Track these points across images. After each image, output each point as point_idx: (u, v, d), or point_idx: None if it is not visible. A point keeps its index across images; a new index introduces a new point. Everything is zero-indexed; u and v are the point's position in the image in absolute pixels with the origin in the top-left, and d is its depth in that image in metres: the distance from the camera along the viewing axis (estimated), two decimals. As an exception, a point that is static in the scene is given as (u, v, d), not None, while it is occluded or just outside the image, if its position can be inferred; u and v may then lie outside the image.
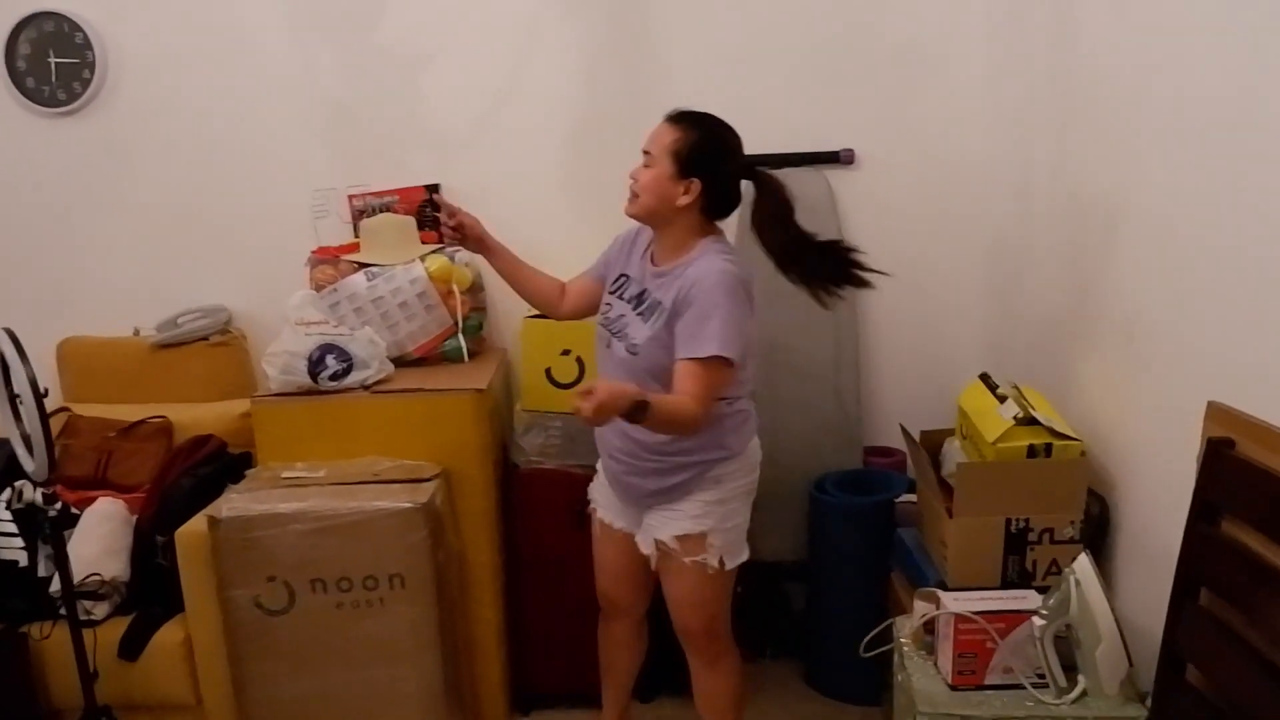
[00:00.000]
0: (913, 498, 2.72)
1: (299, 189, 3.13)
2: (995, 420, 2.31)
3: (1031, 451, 2.23)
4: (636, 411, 1.81)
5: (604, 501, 2.33)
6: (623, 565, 2.33)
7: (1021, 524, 2.23)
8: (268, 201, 3.17)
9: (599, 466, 2.33)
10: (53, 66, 3.15)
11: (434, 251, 2.87)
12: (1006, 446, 2.24)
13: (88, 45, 3.12)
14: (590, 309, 2.33)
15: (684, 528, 2.12)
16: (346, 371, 2.56)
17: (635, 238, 2.24)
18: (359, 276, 2.76)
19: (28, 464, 2.19)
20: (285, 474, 2.52)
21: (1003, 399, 2.37)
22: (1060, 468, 2.21)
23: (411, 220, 2.98)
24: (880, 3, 2.93)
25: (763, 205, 2.09)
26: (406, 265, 2.78)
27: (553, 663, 2.84)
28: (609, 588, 2.41)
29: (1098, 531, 2.24)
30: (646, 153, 2.06)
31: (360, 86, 3.12)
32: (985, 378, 2.52)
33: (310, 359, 2.54)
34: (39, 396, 2.04)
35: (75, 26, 3.11)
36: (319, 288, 2.76)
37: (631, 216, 2.12)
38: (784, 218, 2.09)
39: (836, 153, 2.99)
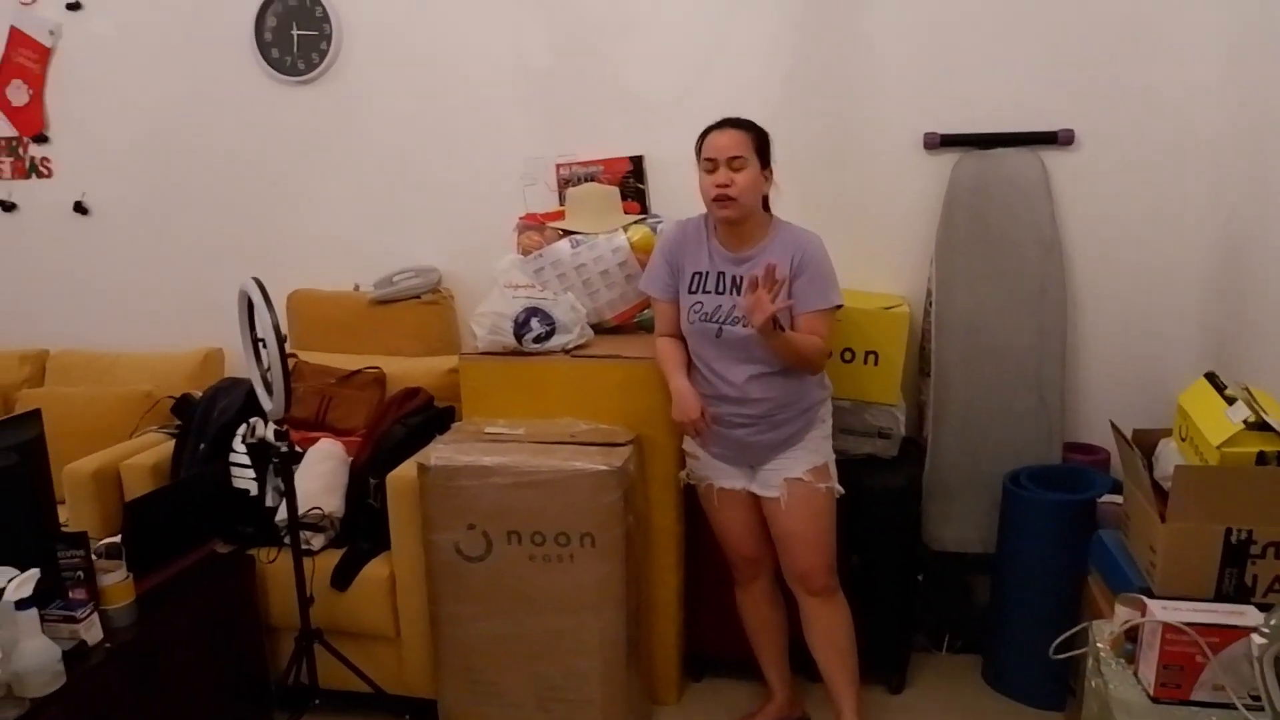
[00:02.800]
0: (1117, 498, 2.58)
1: (509, 157, 3.27)
2: (1222, 422, 2.16)
3: (1261, 459, 2.07)
4: (778, 324, 2.17)
5: (716, 471, 2.51)
6: (749, 522, 2.52)
7: (1244, 535, 2.08)
8: (479, 168, 3.32)
9: (696, 450, 2.52)
10: (295, 38, 3.41)
11: (636, 221, 2.93)
12: (1233, 451, 2.09)
13: (326, 19, 3.36)
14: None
15: (812, 460, 2.41)
16: (549, 335, 2.66)
17: (682, 238, 2.44)
18: (564, 243, 2.85)
19: (266, 403, 2.39)
20: (488, 429, 2.64)
21: (1231, 400, 2.21)
22: (1294, 478, 2.05)
23: (615, 190, 3.05)
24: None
25: None
26: (609, 234, 2.85)
27: (725, 632, 2.87)
28: (741, 546, 2.57)
29: (1333, 550, 2.06)
30: (736, 158, 2.28)
31: (568, 57, 3.21)
32: (1212, 377, 2.35)
33: (516, 321, 2.65)
34: (281, 341, 2.22)
35: (315, 1, 3.35)
36: (525, 253, 2.88)
37: (730, 220, 2.32)
38: None
39: (1055, 133, 2.84)
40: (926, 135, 2.94)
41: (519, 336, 2.66)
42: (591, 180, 3.14)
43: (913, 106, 2.95)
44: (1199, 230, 2.82)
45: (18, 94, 3.75)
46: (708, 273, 2.39)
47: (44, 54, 3.69)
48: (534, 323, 2.65)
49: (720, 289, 2.37)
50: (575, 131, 3.22)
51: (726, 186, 2.27)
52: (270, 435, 2.55)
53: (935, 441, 2.94)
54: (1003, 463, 2.89)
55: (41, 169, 3.81)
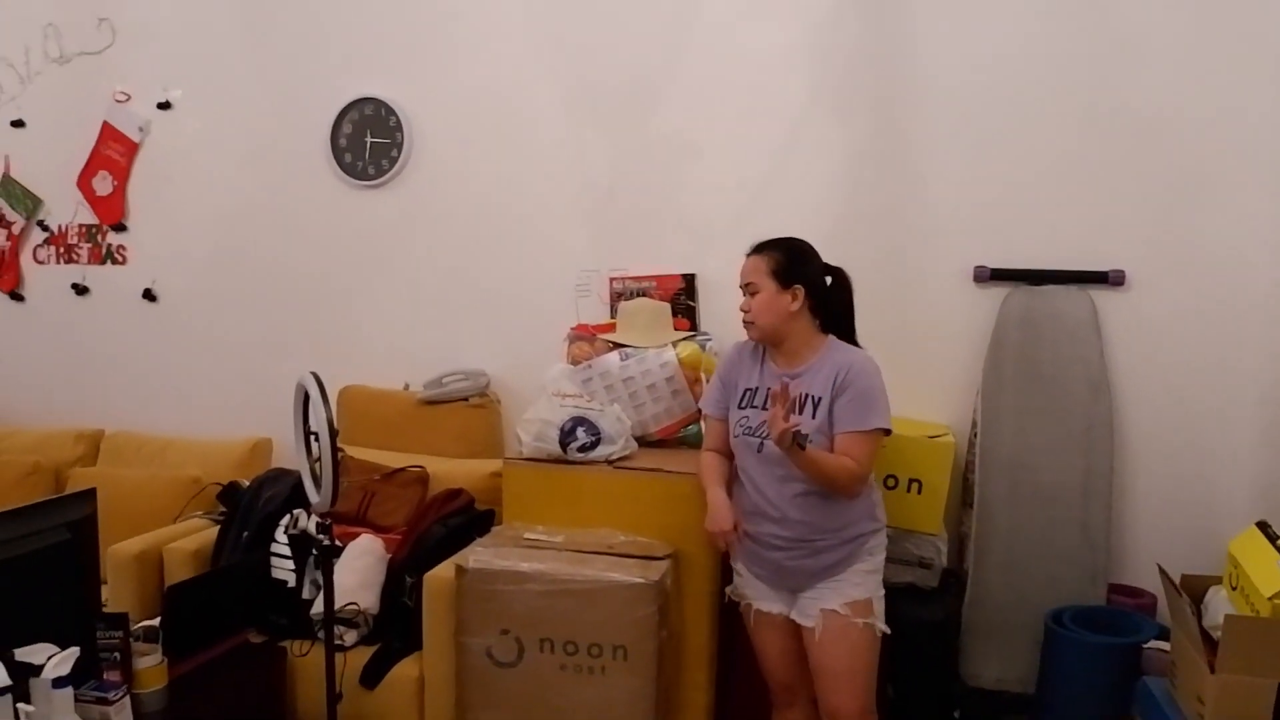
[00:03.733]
0: (1163, 645, 2.51)
1: (564, 268, 3.37)
2: (1274, 573, 2.12)
3: (1317, 614, 2.03)
4: (800, 440, 2.17)
5: (755, 591, 2.46)
6: (786, 648, 2.44)
7: (1299, 693, 2.02)
8: (534, 277, 3.43)
9: (740, 568, 2.48)
10: (368, 145, 3.58)
11: (686, 338, 2.98)
12: (1286, 604, 2.04)
13: (398, 128, 3.53)
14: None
15: (852, 594, 2.31)
16: (594, 445, 2.69)
17: (739, 359, 2.49)
18: (613, 356, 2.91)
19: (313, 495, 2.42)
20: (527, 534, 2.65)
21: (1284, 551, 2.17)
22: (1351, 636, 1.99)
23: (667, 306, 3.12)
24: (1161, 120, 2.83)
25: (838, 294, 2.44)
26: (658, 349, 2.91)
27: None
28: (776, 671, 2.49)
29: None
30: (748, 284, 2.37)
31: (627, 174, 3.33)
32: (1264, 526, 2.32)
33: (562, 429, 2.69)
34: (334, 436, 2.27)
35: (390, 110, 3.53)
36: (575, 362, 2.94)
37: (757, 340, 2.42)
38: (849, 308, 2.46)
39: (1105, 273, 2.88)
40: (977, 269, 2.99)
41: (564, 445, 2.69)
42: (644, 295, 3.21)
43: (964, 240, 3.01)
44: (1252, 376, 2.81)
45: (103, 184, 3.95)
46: (757, 389, 2.40)
47: (132, 149, 3.90)
48: (580, 432, 2.69)
49: (767, 405, 2.35)
50: (630, 247, 3.32)
51: (746, 312, 2.38)
52: (313, 528, 2.57)
53: (976, 574, 2.89)
54: (1045, 600, 2.83)
55: (117, 256, 3.98)
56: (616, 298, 3.25)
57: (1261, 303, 2.79)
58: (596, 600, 2.45)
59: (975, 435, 2.92)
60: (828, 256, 2.45)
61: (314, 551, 2.66)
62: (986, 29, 2.96)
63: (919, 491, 2.77)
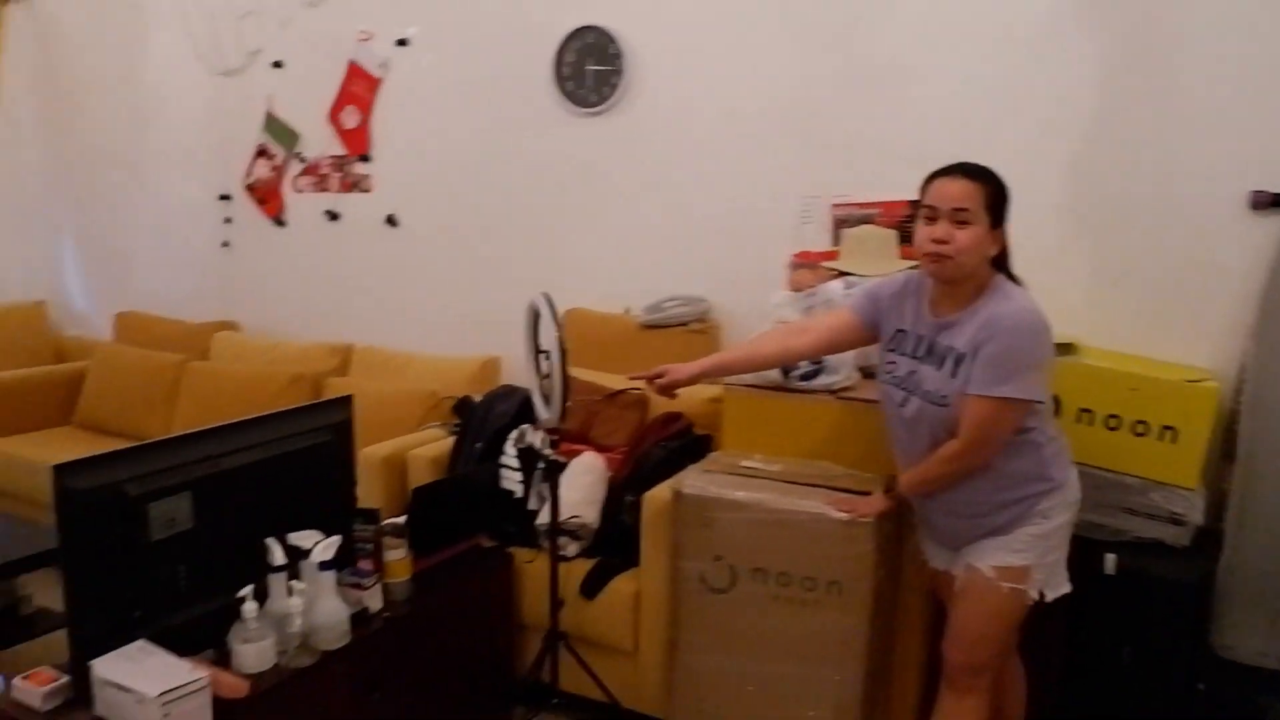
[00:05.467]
0: None
1: (785, 194, 3.31)
2: None
3: None
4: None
5: (927, 548, 2.36)
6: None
7: None
8: (755, 203, 3.38)
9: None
10: (589, 73, 3.63)
11: (912, 267, 2.85)
12: None
13: (619, 55, 3.55)
14: (842, 345, 2.41)
15: (1005, 559, 2.11)
16: (816, 374, 2.64)
17: (902, 291, 2.24)
18: (836, 283, 2.83)
19: (542, 411, 2.53)
20: (744, 462, 2.65)
21: None
22: None
23: (893, 234, 3.00)
24: None
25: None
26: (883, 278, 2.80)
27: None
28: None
29: None
30: (961, 210, 2.00)
31: (852, 97, 3.21)
32: None
33: (784, 356, 2.65)
34: (564, 355, 2.35)
35: (610, 39, 3.55)
36: (797, 290, 2.88)
37: (942, 279, 2.09)
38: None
39: None
40: (1254, 194, 2.67)
41: (786, 372, 2.66)
42: (868, 223, 3.10)
43: (1237, 162, 2.70)
44: None
45: (350, 118, 4.23)
46: (907, 333, 2.19)
47: (374, 83, 4.14)
48: (802, 361, 2.64)
49: (916, 353, 2.16)
50: (854, 173, 3.21)
51: (943, 243, 2.01)
52: (539, 442, 2.69)
53: (1236, 537, 2.63)
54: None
55: (363, 184, 4.26)
56: (839, 225, 3.16)
57: None
58: (813, 534, 2.42)
59: (1244, 381, 2.64)
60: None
61: (540, 465, 2.79)
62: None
63: (1173, 440, 2.54)
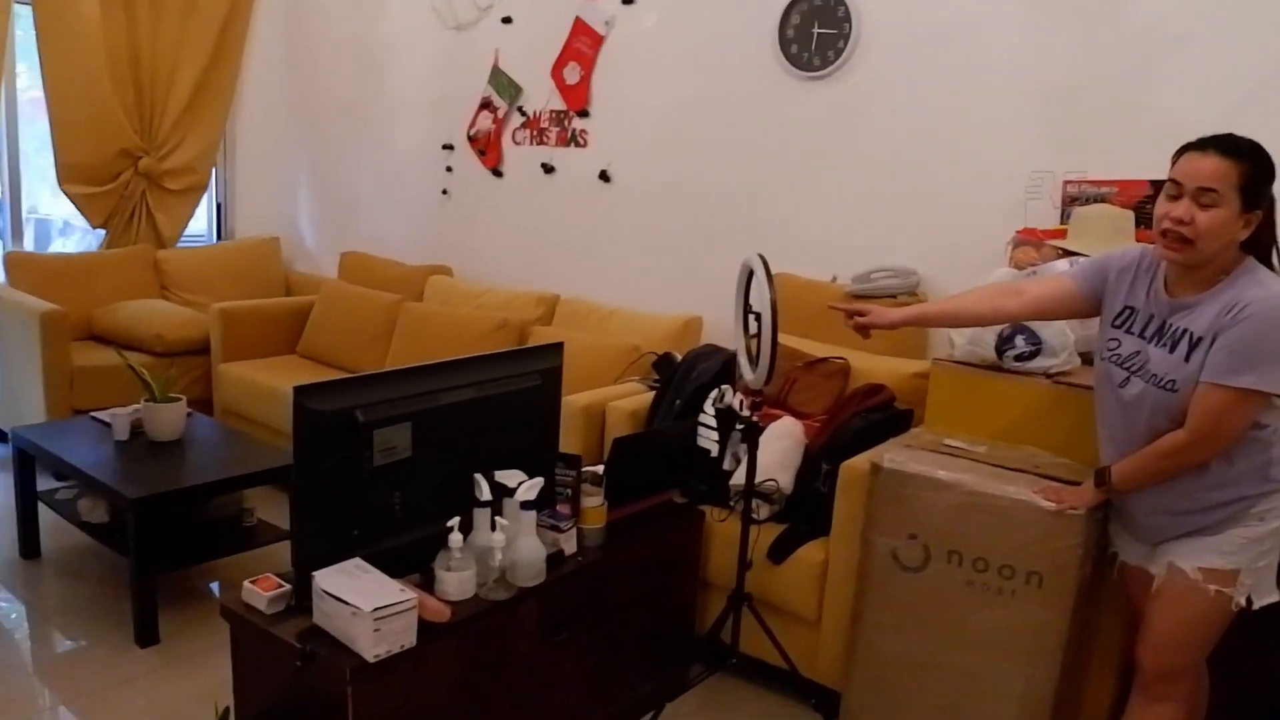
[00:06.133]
0: None
1: (1010, 168, 3.15)
2: None
3: None
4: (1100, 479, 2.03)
5: (1119, 541, 2.25)
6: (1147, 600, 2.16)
7: None
8: (977, 177, 3.24)
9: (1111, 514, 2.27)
10: (815, 35, 3.55)
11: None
12: None
13: (847, 19, 3.45)
14: (1057, 313, 2.29)
15: (1212, 561, 1.99)
16: (1033, 355, 2.51)
17: (1135, 266, 2.09)
18: (1062, 263, 2.67)
19: (748, 373, 2.53)
20: (947, 441, 2.57)
21: None
22: None
23: (1129, 215, 2.80)
24: None
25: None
26: (1117, 260, 2.62)
27: None
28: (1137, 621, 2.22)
29: None
30: (1208, 190, 1.85)
31: (1093, 71, 3.01)
32: None
33: (1001, 334, 2.54)
34: (775, 317, 2.34)
35: (840, 2, 3.45)
36: (1019, 267, 2.75)
37: (1179, 263, 1.94)
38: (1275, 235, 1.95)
39: None
40: None
41: (1000, 351, 2.54)
42: (1102, 201, 2.90)
43: None
44: None
45: (572, 74, 4.33)
46: (1136, 310, 2.05)
47: (598, 41, 4.22)
48: (1019, 340, 2.52)
49: (1145, 334, 2.02)
50: (1090, 149, 3.02)
51: (1183, 224, 1.87)
52: (739, 404, 2.70)
53: None
54: None
55: (580, 139, 4.37)
56: (1070, 202, 2.98)
57: None
58: (1017, 521, 2.32)
59: None
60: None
61: (739, 426, 2.80)
62: None
63: None
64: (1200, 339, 1.90)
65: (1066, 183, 3.01)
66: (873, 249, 3.43)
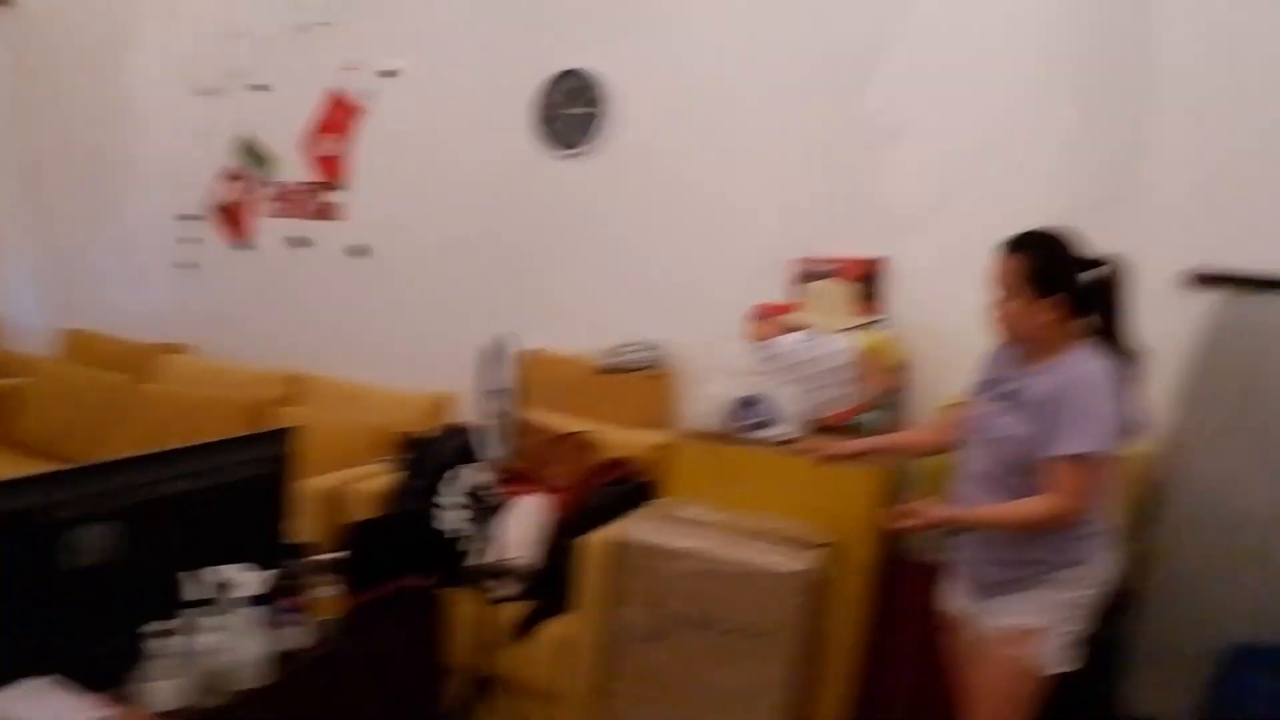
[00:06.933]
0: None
1: (752, 244, 3.33)
2: None
3: None
4: (959, 529, 2.10)
5: (949, 591, 2.34)
6: (962, 659, 2.27)
7: None
8: (721, 252, 3.40)
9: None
10: (571, 115, 3.65)
11: (868, 324, 2.88)
12: None
13: (600, 99, 3.57)
14: None
15: (1017, 620, 2.12)
16: (765, 424, 2.64)
17: (996, 350, 2.26)
18: (794, 336, 2.85)
19: (490, 450, 2.51)
20: (685, 511, 2.65)
21: None
22: None
23: (851, 290, 3.02)
24: None
25: (1103, 290, 2.11)
26: (839, 333, 2.82)
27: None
28: (956, 682, 2.30)
29: None
30: (1002, 287, 2.11)
31: (824, 154, 3.22)
32: None
33: (736, 406, 2.65)
34: (512, 396, 2.34)
35: (593, 84, 3.58)
36: (756, 341, 2.89)
37: (1010, 344, 2.18)
38: (1116, 306, 2.13)
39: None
40: (1191, 271, 2.71)
41: (735, 421, 2.66)
42: (828, 277, 3.12)
43: (1180, 240, 2.73)
44: None
45: (328, 146, 4.23)
46: (999, 380, 2.21)
47: (355, 113, 4.15)
48: (752, 410, 2.65)
49: (993, 395, 2.20)
50: (820, 228, 3.22)
51: (999, 314, 2.14)
52: (483, 482, 2.66)
53: (1149, 598, 2.65)
54: (1222, 634, 2.57)
55: (336, 213, 4.25)
56: (803, 278, 3.18)
57: None
58: (744, 584, 2.42)
59: (1167, 450, 2.67)
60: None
61: (481, 506, 2.76)
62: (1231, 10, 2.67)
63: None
64: (1035, 405, 2.06)
65: (799, 261, 3.21)
66: (625, 324, 3.51)
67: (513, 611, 2.76)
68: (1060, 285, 2.07)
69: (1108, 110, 2.84)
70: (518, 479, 3.10)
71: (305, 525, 3.00)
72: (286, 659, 2.19)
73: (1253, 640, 2.55)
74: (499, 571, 2.68)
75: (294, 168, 4.31)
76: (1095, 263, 2.10)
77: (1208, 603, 2.63)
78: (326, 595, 2.33)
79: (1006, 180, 2.96)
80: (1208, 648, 2.58)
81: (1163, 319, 2.71)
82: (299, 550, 2.28)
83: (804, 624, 2.43)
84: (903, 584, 2.66)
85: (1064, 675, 2.15)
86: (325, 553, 2.40)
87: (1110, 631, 2.53)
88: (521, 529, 2.82)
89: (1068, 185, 2.88)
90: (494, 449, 2.44)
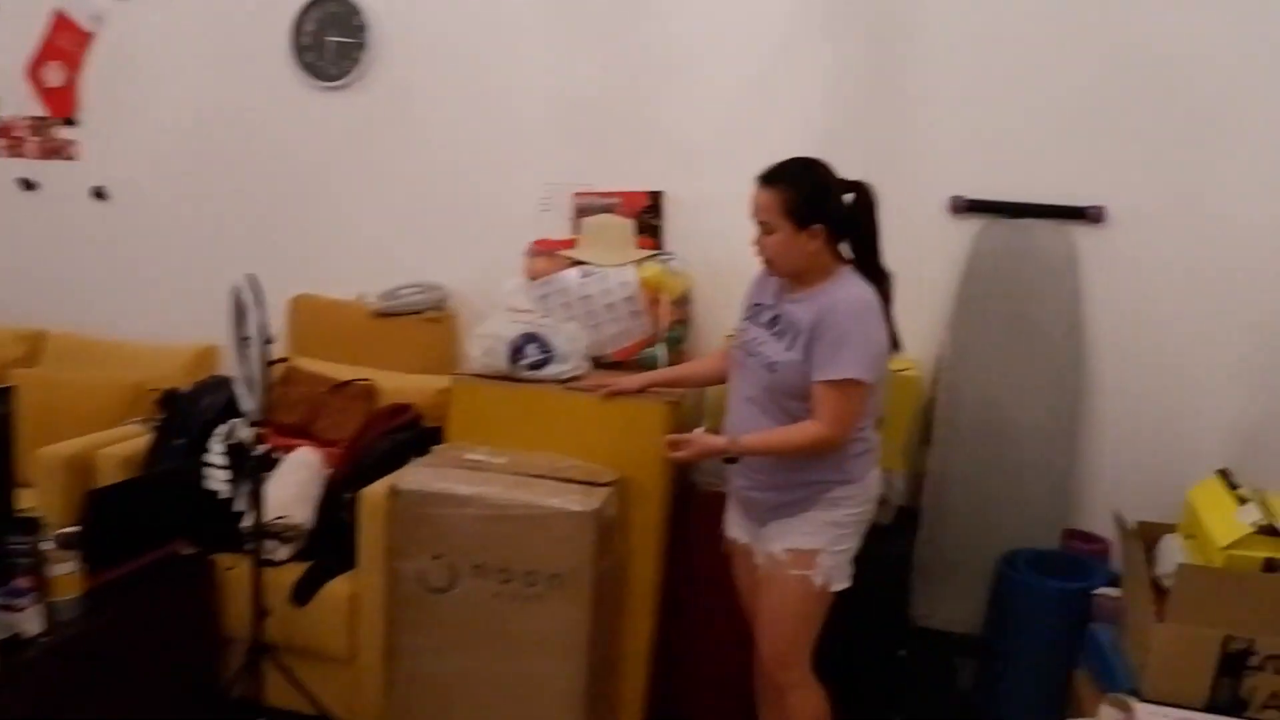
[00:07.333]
0: (1114, 592, 2.47)
1: (529, 180, 3.24)
2: (1230, 523, 2.06)
3: (1269, 565, 1.97)
4: (729, 459, 2.14)
5: (731, 518, 2.39)
6: (752, 583, 2.32)
7: (1243, 645, 1.97)
8: (498, 189, 3.29)
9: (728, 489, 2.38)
10: (331, 44, 3.40)
11: (649, 258, 2.86)
12: (1239, 555, 2.00)
13: (363, 27, 3.35)
14: None
15: (796, 542, 2.16)
16: (545, 363, 2.58)
17: (762, 277, 2.29)
18: (572, 272, 2.80)
19: (244, 403, 2.33)
20: (469, 455, 2.56)
21: (1243, 501, 2.10)
22: (1304, 591, 1.93)
23: (630, 224, 2.99)
24: (1164, 59, 2.68)
25: (858, 214, 2.16)
26: (619, 268, 2.79)
27: (698, 690, 2.76)
28: (747, 605, 2.37)
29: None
30: (762, 222, 2.12)
31: (601, 86, 3.17)
32: (1224, 474, 2.25)
33: (513, 345, 2.58)
34: (265, 342, 2.17)
35: (355, 10, 3.34)
36: (533, 278, 2.82)
37: (778, 277, 2.20)
38: (872, 229, 2.17)
39: (1083, 209, 2.76)
40: (953, 199, 2.87)
41: (514, 361, 2.59)
42: (608, 212, 3.08)
43: (943, 170, 2.88)
44: (1231, 323, 2.71)
45: (54, 76, 3.78)
46: (764, 306, 2.24)
47: (85, 39, 3.72)
48: (530, 349, 2.58)
49: (764, 322, 2.22)
50: (599, 162, 3.18)
51: (761, 249, 2.16)
52: (246, 437, 2.48)
53: (931, 514, 2.83)
54: (1000, 543, 2.79)
55: (67, 152, 3.82)
56: (580, 213, 3.12)
57: (1248, 245, 2.67)
58: (533, 527, 2.37)
59: (940, 371, 2.83)
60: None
61: (243, 463, 2.57)
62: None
63: (878, 426, 2.68)
64: (800, 331, 2.08)
65: (576, 195, 3.15)
66: (401, 264, 3.35)
67: (292, 573, 2.61)
68: (819, 215, 2.09)
69: (877, 48, 2.91)
70: (294, 432, 2.92)
71: (50, 499, 2.73)
72: (15, 648, 1.98)
73: (1028, 546, 2.76)
74: (271, 532, 2.52)
75: (17, 100, 3.83)
76: (849, 186, 2.13)
77: (986, 515, 2.83)
78: (63, 572, 2.11)
79: (773, 115, 3.00)
80: (988, 557, 2.78)
81: (931, 245, 2.89)
82: (25, 525, 2.04)
83: (599, 562, 2.41)
84: (695, 514, 2.70)
85: (855, 592, 2.23)
86: (62, 526, 2.17)
87: (898, 547, 2.68)
88: (294, 485, 2.66)
89: (828, 121, 2.95)
90: (250, 402, 2.26)
